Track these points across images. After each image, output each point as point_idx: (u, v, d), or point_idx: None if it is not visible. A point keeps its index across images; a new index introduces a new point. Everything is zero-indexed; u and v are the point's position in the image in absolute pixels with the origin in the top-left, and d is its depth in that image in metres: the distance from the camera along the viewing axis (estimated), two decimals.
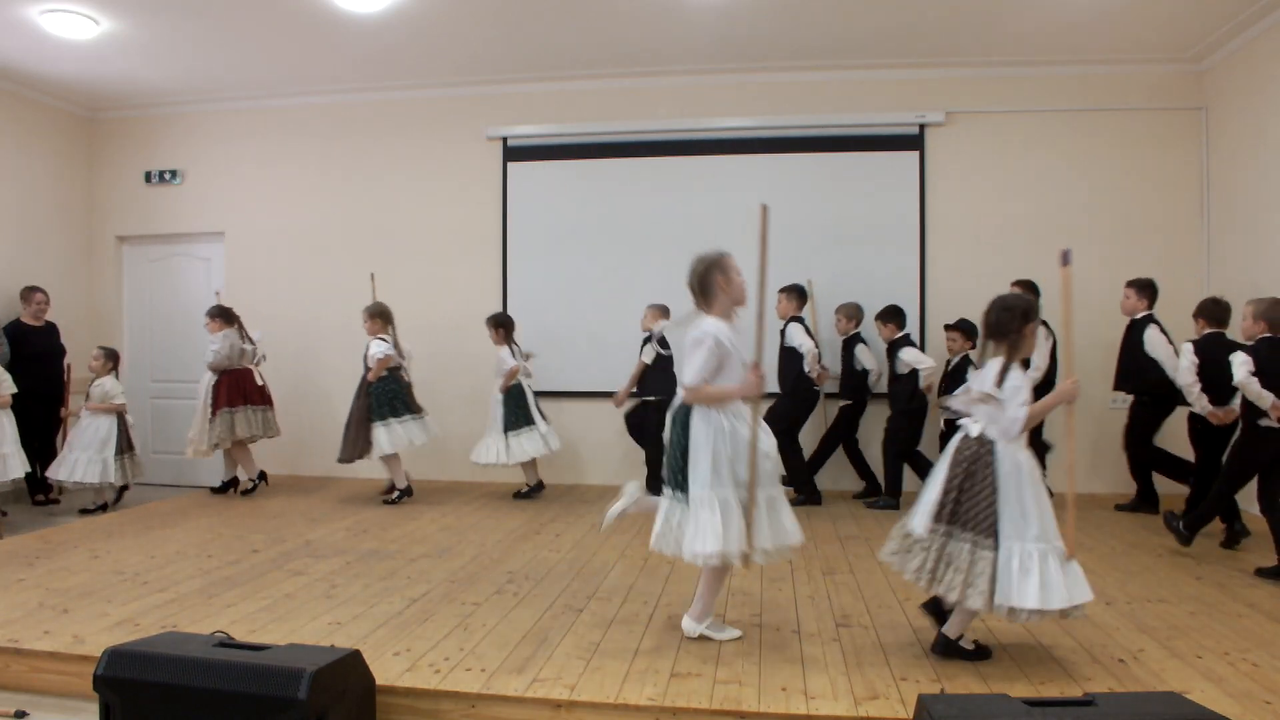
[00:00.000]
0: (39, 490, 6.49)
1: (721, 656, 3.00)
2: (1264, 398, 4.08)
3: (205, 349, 6.49)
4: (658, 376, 6.13)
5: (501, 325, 6.36)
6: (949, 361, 5.93)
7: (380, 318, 6.31)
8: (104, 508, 6.14)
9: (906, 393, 5.82)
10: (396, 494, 6.18)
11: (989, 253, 6.57)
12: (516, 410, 6.19)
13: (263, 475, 6.62)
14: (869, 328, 6.24)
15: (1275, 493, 4.14)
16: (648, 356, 6.15)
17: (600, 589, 3.89)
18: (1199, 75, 6.43)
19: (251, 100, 7.44)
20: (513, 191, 7.15)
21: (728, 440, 3.08)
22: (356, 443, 6.05)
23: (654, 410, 5.93)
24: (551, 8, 5.70)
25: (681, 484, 3.11)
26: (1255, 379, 4.11)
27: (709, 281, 3.27)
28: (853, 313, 6.26)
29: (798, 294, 6.19)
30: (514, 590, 3.87)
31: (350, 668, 2.55)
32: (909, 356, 5.76)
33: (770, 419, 5.88)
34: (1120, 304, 5.68)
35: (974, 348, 5.79)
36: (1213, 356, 4.63)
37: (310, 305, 7.38)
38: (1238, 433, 4.47)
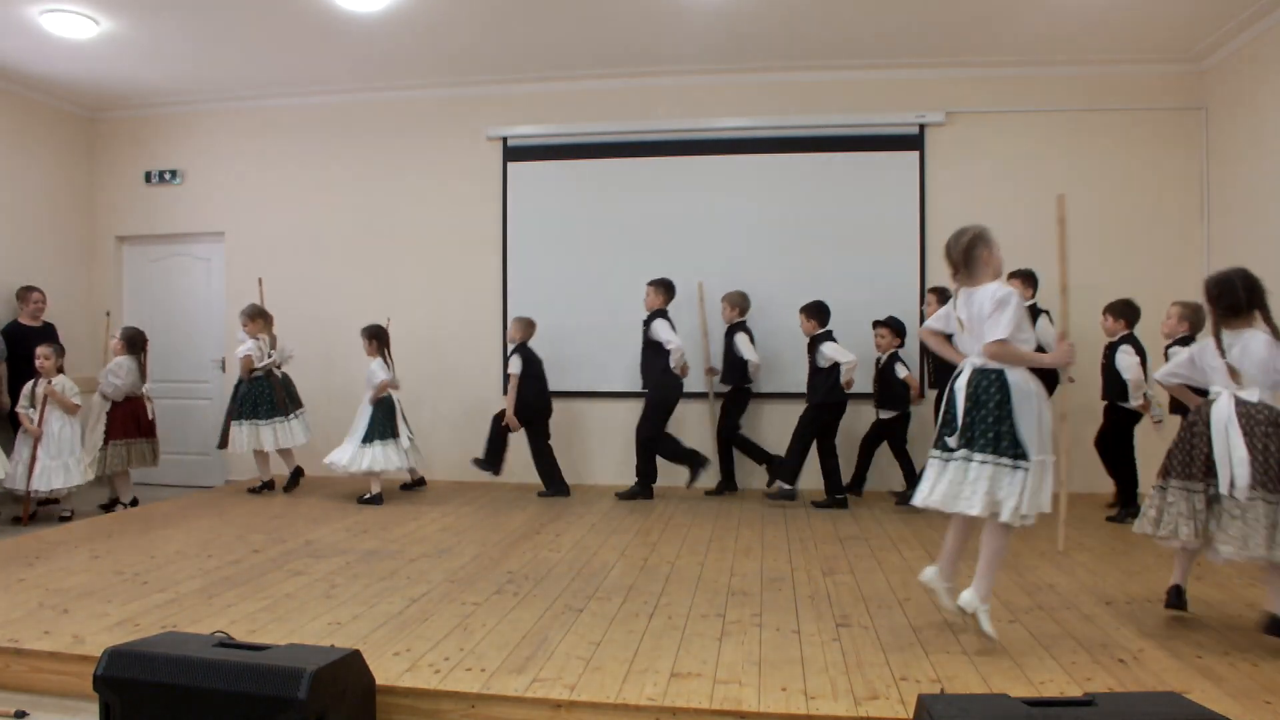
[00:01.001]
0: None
1: (721, 656, 3.00)
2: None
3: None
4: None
5: (375, 337, 6.41)
6: (878, 359, 6.04)
7: (260, 319, 6.51)
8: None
9: (825, 386, 5.92)
10: (260, 485, 6.53)
11: None
12: (383, 422, 6.25)
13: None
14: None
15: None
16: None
17: (600, 589, 3.89)
18: (1199, 75, 6.43)
19: (251, 100, 7.44)
20: (513, 191, 7.15)
21: (1044, 404, 3.12)
22: (222, 436, 6.55)
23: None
24: (552, 8, 5.70)
25: (993, 444, 3.05)
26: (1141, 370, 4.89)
27: (975, 254, 3.28)
28: (737, 301, 6.42)
29: (665, 288, 6.30)
30: (514, 590, 3.87)
31: (350, 668, 2.55)
32: (830, 350, 5.87)
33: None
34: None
35: (901, 345, 5.96)
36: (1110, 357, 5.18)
37: (310, 305, 7.37)
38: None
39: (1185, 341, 4.79)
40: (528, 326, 6.46)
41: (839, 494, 5.98)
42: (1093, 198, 6.52)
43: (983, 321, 3.14)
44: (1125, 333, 5.34)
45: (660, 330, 6.09)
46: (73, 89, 7.19)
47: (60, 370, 6.10)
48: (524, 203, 7.14)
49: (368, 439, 6.18)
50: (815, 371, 6.00)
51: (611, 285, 6.86)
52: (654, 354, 6.15)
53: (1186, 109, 6.45)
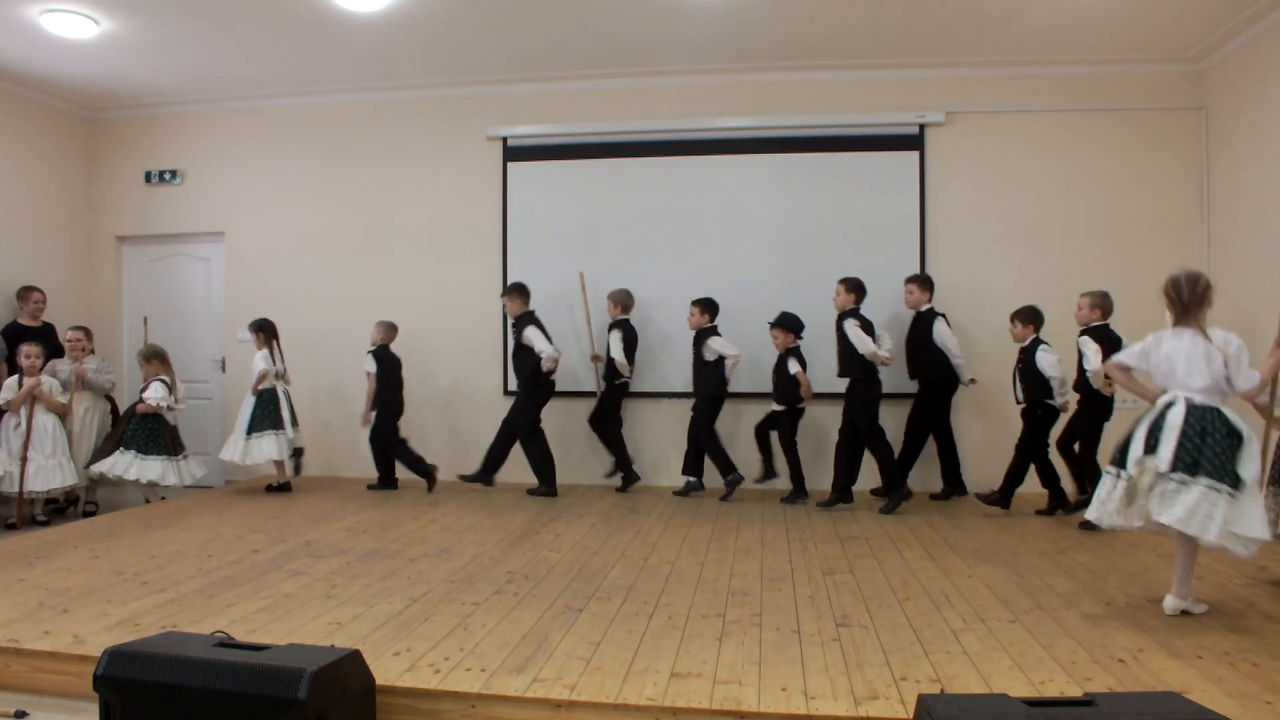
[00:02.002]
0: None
1: (721, 656, 3.00)
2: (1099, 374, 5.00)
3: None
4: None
5: (262, 330, 6.58)
6: (780, 356, 6.15)
7: (156, 360, 6.41)
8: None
9: (713, 380, 6.19)
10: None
11: (989, 252, 6.58)
12: (265, 413, 6.46)
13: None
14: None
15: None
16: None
17: (600, 589, 3.89)
18: (1199, 75, 6.43)
19: (251, 100, 7.45)
20: (513, 191, 7.15)
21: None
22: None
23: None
24: (551, 8, 5.70)
25: (1225, 475, 3.24)
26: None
27: (1207, 298, 3.49)
28: (620, 299, 6.59)
29: (520, 293, 6.44)
30: (514, 590, 3.87)
31: (350, 668, 2.55)
32: (716, 344, 6.17)
33: (511, 414, 6.36)
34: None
35: (797, 341, 6.14)
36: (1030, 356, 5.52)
37: (310, 305, 7.38)
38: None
39: (1098, 330, 5.30)
40: (390, 330, 6.71)
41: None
42: (1093, 198, 6.52)
43: (1212, 361, 3.38)
44: (1034, 336, 5.62)
45: (532, 337, 6.28)
46: (73, 89, 7.20)
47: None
48: (524, 203, 7.14)
49: (252, 431, 6.41)
50: (701, 365, 6.28)
51: (611, 285, 6.86)
52: (523, 357, 6.37)
53: (1186, 109, 6.45)
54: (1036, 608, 3.57)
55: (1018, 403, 5.70)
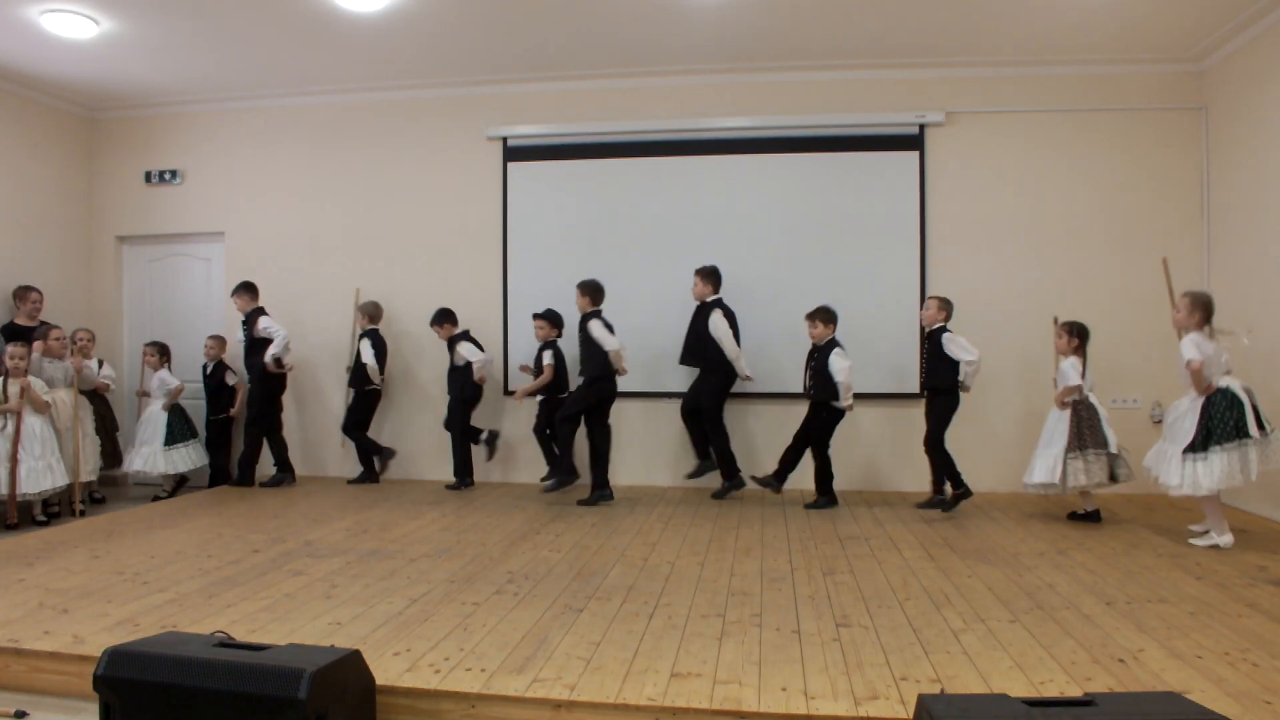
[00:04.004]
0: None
1: (721, 656, 3.00)
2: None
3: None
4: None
5: (163, 353, 7.07)
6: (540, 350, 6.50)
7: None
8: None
9: (460, 382, 6.66)
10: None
11: (989, 252, 6.58)
12: (182, 424, 6.98)
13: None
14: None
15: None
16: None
17: (600, 589, 3.89)
18: (1199, 75, 6.43)
19: (251, 100, 7.44)
20: (513, 191, 7.15)
21: None
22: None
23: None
24: (551, 8, 5.70)
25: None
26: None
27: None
28: (368, 310, 6.96)
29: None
30: (514, 590, 3.87)
31: (350, 668, 2.55)
32: (464, 349, 6.64)
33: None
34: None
35: (559, 335, 6.49)
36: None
37: (310, 305, 7.37)
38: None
39: (940, 331, 5.71)
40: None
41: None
42: (1093, 198, 6.52)
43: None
44: (831, 337, 5.88)
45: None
46: (73, 89, 7.20)
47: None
48: (524, 203, 7.14)
49: (171, 442, 6.84)
50: (453, 369, 6.71)
51: (611, 285, 6.84)
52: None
53: (1186, 109, 6.45)
54: (1036, 608, 3.57)
55: (806, 395, 5.99)
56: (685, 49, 6.43)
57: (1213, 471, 4.51)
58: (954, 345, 5.68)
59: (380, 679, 2.73)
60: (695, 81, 6.90)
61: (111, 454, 6.75)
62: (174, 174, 7.63)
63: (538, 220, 7.12)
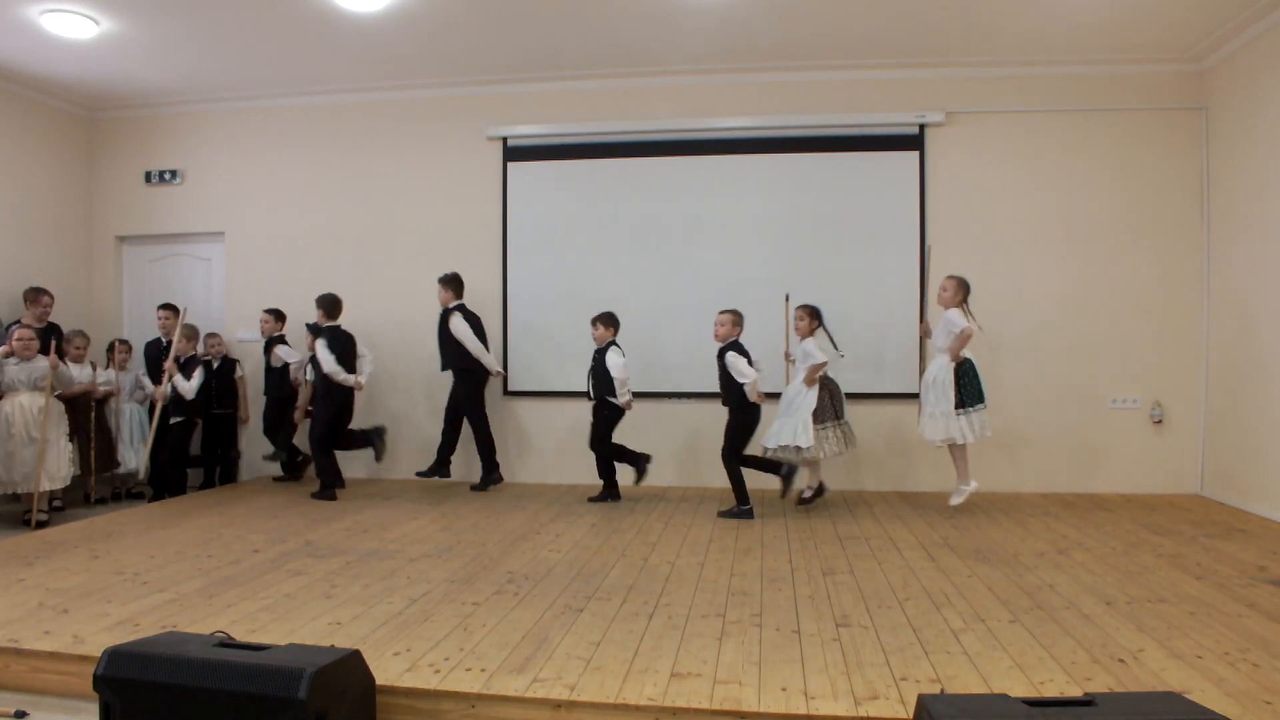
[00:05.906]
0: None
1: (721, 656, 3.00)
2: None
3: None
4: None
5: (110, 350, 7.03)
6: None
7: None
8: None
9: (276, 383, 6.99)
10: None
11: (989, 252, 6.58)
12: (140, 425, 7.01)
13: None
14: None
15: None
16: None
17: (600, 589, 3.89)
18: (1199, 75, 6.43)
19: (251, 100, 7.44)
20: (513, 191, 7.15)
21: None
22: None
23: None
24: (551, 8, 5.70)
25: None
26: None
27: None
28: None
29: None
30: (514, 590, 3.87)
31: (350, 668, 2.55)
32: (281, 352, 6.92)
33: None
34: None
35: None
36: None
37: (309, 305, 7.36)
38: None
39: (736, 345, 5.65)
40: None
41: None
42: (1093, 198, 6.52)
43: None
44: (611, 340, 6.11)
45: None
46: (73, 89, 7.20)
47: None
48: (524, 203, 7.14)
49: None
50: (268, 370, 6.98)
51: (611, 285, 6.87)
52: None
53: (1186, 109, 6.45)
54: (1036, 608, 3.57)
55: (589, 399, 6.18)
56: (685, 49, 6.43)
57: (972, 426, 5.45)
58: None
59: (380, 679, 2.73)
60: (695, 81, 6.90)
61: (107, 457, 6.64)
62: (174, 174, 7.63)
63: (538, 220, 7.12)
